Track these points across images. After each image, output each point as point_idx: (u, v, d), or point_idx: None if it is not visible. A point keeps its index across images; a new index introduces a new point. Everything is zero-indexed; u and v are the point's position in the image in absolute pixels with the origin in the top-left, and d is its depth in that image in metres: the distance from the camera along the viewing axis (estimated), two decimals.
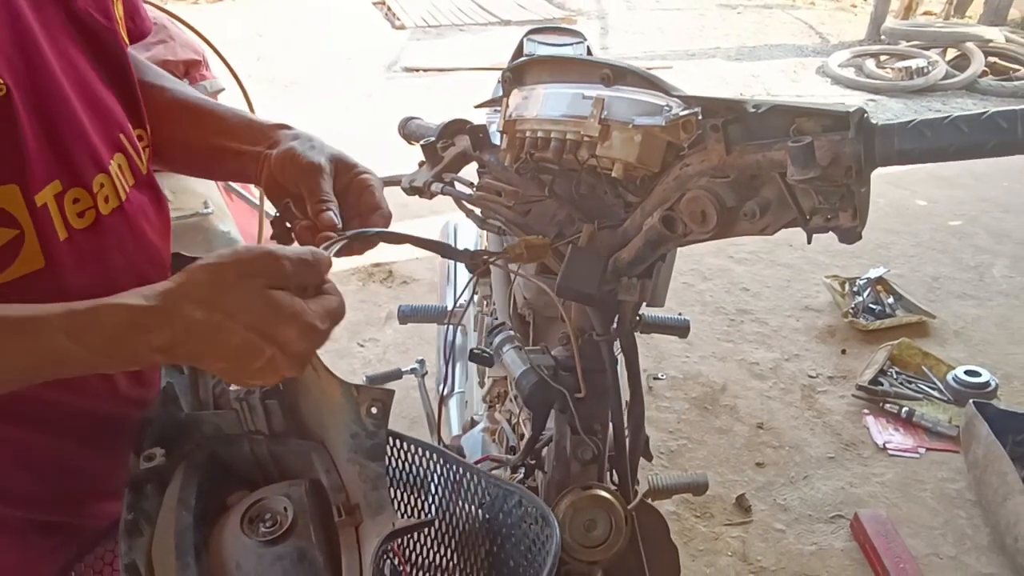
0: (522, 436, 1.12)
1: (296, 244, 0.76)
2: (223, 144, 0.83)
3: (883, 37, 6.61)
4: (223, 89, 2.28)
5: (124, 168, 0.73)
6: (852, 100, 5.40)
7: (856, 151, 0.61)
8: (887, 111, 5.41)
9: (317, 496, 0.69)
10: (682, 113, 0.70)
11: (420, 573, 0.76)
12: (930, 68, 5.73)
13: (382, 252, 3.29)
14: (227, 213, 2.16)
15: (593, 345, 0.85)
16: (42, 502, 0.74)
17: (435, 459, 0.75)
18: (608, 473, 0.93)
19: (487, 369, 1.45)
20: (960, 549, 2.07)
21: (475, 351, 0.98)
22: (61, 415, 0.71)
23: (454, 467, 0.74)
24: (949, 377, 2.59)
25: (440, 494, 0.75)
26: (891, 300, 3.06)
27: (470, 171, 0.96)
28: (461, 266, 1.07)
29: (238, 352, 0.55)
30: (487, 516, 0.73)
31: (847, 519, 2.15)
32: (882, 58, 6.25)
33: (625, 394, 0.93)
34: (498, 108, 0.94)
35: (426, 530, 0.76)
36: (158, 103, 0.82)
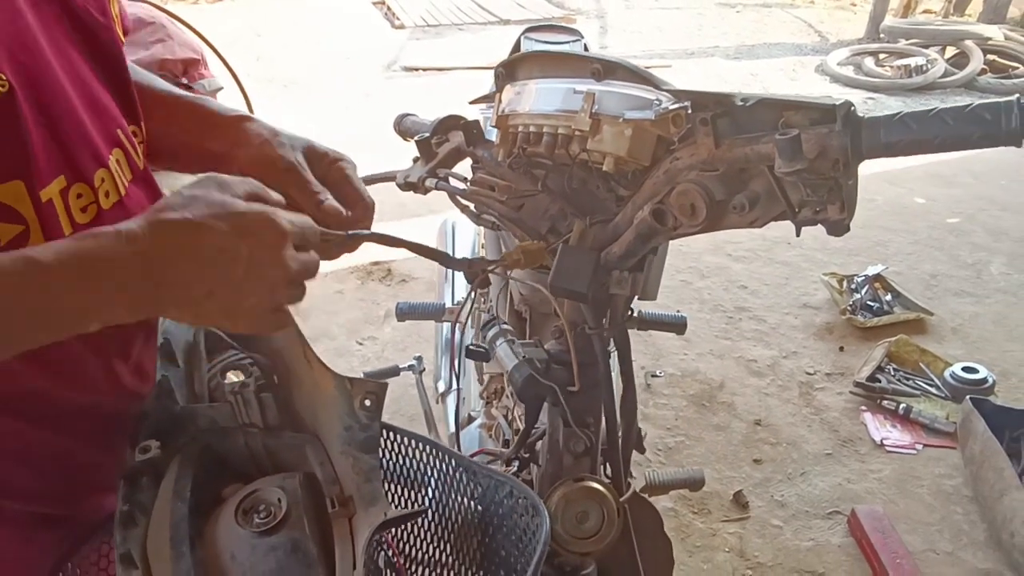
0: (517, 431, 1.13)
1: None
2: (186, 141, 0.82)
3: (882, 35, 6.61)
4: (221, 88, 2.29)
5: (122, 163, 0.74)
6: (851, 98, 5.39)
7: (843, 143, 0.62)
8: (886, 109, 5.39)
9: (311, 488, 0.70)
10: (672, 107, 0.70)
11: (413, 564, 0.77)
12: (929, 66, 5.73)
13: (380, 250, 3.30)
14: None
15: (586, 339, 0.85)
16: (42, 495, 0.74)
17: (428, 451, 0.76)
18: (601, 466, 0.93)
19: (485, 365, 1.46)
20: (957, 545, 2.07)
21: (471, 347, 0.98)
22: (62, 410, 0.71)
23: (447, 459, 0.75)
24: (946, 374, 2.59)
25: (433, 485, 0.76)
26: (889, 297, 3.06)
27: (465, 167, 0.97)
28: None
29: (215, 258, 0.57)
30: (479, 507, 0.74)
31: (844, 515, 2.15)
32: (881, 56, 6.25)
33: (618, 388, 0.94)
34: (492, 104, 0.95)
35: (419, 521, 0.76)
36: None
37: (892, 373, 2.67)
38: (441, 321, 1.94)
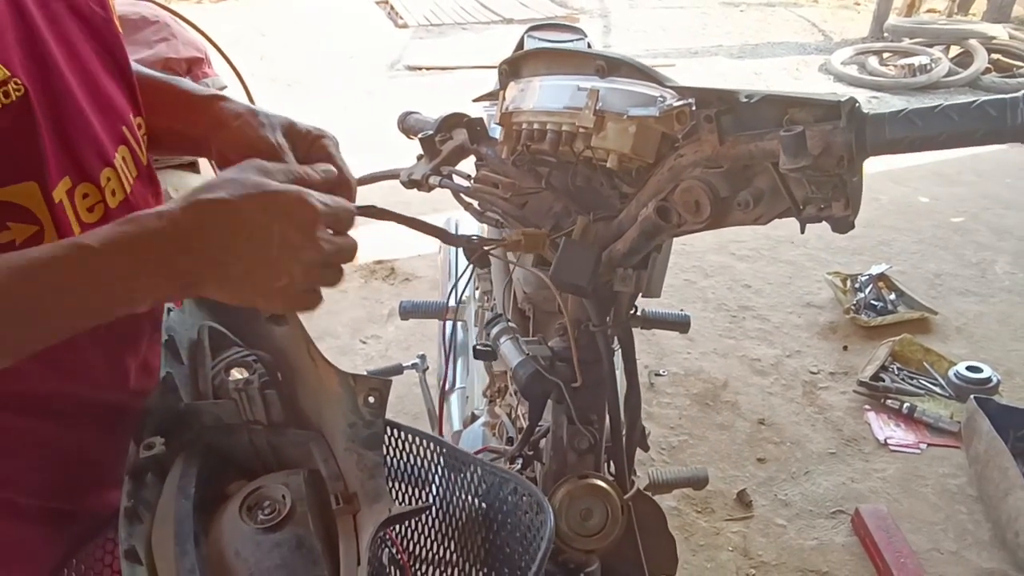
0: (521, 429, 1.13)
1: None
2: (166, 126, 0.82)
3: (886, 34, 6.60)
4: (225, 87, 2.30)
5: (128, 160, 0.74)
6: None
7: (847, 140, 0.62)
8: (890, 108, 5.37)
9: (315, 485, 0.70)
10: (676, 104, 0.70)
11: (417, 561, 0.77)
12: (933, 65, 5.72)
13: (384, 249, 3.31)
14: None
15: (590, 336, 0.85)
16: (47, 490, 0.74)
17: (432, 448, 0.76)
18: (605, 464, 0.93)
19: (492, 364, 1.46)
20: (961, 544, 2.07)
21: (478, 347, 0.98)
22: (70, 406, 0.72)
23: (451, 455, 0.75)
24: (951, 373, 2.59)
25: (437, 482, 0.76)
26: (893, 296, 3.06)
27: (468, 165, 0.96)
28: (462, 262, 1.08)
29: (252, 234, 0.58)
30: (483, 504, 0.74)
31: (848, 514, 2.15)
32: (885, 55, 6.24)
33: (622, 385, 0.94)
34: (496, 102, 0.95)
35: (423, 518, 0.76)
36: None
37: (896, 372, 2.66)
38: (444, 320, 1.94)
